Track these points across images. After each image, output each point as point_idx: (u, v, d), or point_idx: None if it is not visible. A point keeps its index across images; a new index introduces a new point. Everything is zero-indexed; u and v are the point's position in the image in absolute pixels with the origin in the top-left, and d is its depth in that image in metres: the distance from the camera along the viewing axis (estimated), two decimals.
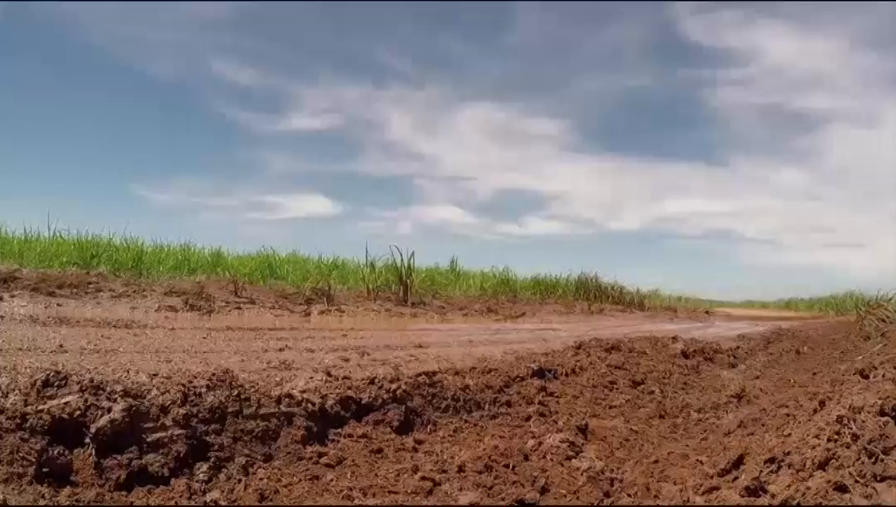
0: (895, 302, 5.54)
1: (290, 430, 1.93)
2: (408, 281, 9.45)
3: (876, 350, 2.83)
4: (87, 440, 1.59)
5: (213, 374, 2.04)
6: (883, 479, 1.29)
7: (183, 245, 10.87)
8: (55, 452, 1.52)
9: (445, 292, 11.37)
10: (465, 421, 2.34)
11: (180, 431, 1.72)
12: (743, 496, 1.48)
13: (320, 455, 1.87)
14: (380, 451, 1.95)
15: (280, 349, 3.72)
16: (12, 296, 6.00)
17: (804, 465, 1.45)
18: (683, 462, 1.98)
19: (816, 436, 1.53)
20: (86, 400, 1.65)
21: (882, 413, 1.48)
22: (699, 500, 1.60)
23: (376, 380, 2.32)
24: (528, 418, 2.42)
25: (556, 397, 2.70)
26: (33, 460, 1.47)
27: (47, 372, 1.74)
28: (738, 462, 1.75)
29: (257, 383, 2.13)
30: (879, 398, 1.54)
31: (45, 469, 1.48)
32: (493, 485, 1.69)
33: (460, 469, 1.79)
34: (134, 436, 1.65)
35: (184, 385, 1.89)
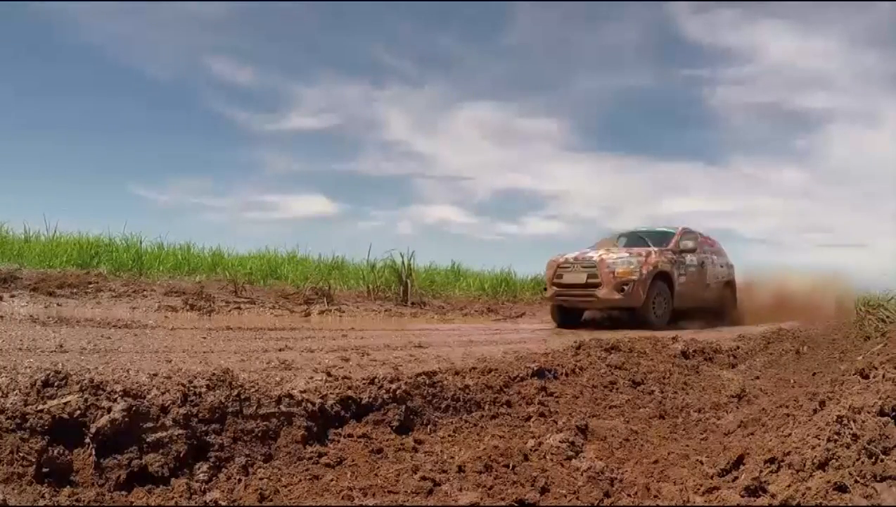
0: (895, 302, 5.54)
1: (290, 430, 1.93)
2: (408, 281, 9.45)
3: (876, 350, 2.82)
4: (87, 440, 1.59)
5: (213, 374, 2.04)
6: (883, 479, 1.29)
7: (183, 245, 10.88)
8: (55, 452, 1.52)
9: (445, 292, 11.37)
10: (465, 421, 2.34)
11: (180, 431, 1.72)
12: (743, 496, 1.48)
13: (320, 455, 1.87)
14: (380, 451, 1.95)
15: (280, 349, 3.73)
16: (12, 296, 6.00)
17: (804, 465, 1.45)
18: (683, 462, 1.98)
19: (816, 436, 1.53)
20: (86, 400, 1.65)
21: (882, 413, 1.48)
22: (699, 500, 1.60)
23: (376, 380, 2.32)
24: (528, 419, 2.42)
25: (556, 397, 2.70)
26: (33, 460, 1.47)
27: (47, 372, 1.74)
28: (738, 462, 1.75)
29: (257, 383, 2.13)
30: (879, 398, 1.54)
31: (45, 469, 1.48)
32: (493, 485, 1.69)
33: (460, 469, 1.79)
34: (134, 436, 1.65)
35: (184, 385, 1.89)
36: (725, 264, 9.58)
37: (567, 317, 8.21)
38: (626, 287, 7.48)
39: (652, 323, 7.41)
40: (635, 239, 8.91)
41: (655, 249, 8.15)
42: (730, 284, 9.60)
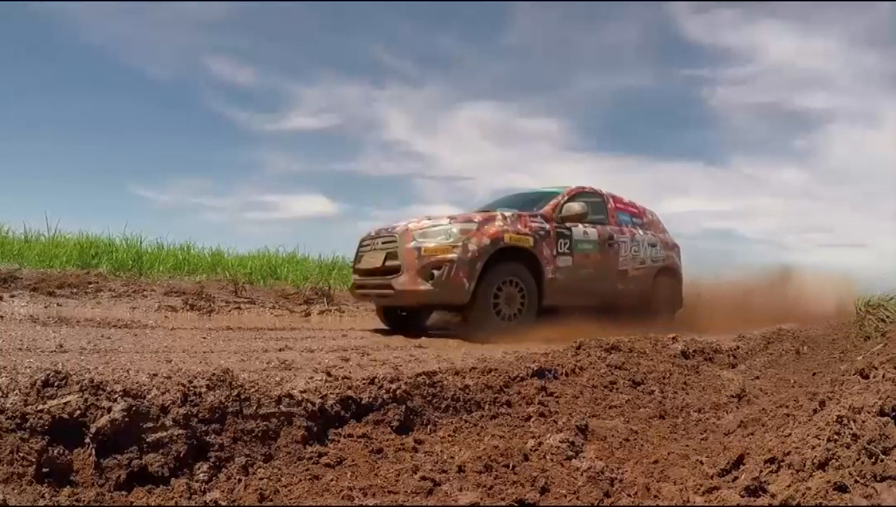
0: (895, 302, 5.54)
1: (290, 430, 1.93)
2: None
3: (876, 350, 2.83)
4: (87, 440, 1.59)
5: (213, 374, 2.04)
6: (883, 479, 1.29)
7: (183, 245, 10.90)
8: (55, 452, 1.52)
9: None
10: (465, 421, 2.34)
11: (180, 431, 1.72)
12: (743, 496, 1.48)
13: (320, 455, 1.87)
14: (380, 451, 1.95)
15: (280, 349, 3.73)
16: (12, 296, 6.01)
17: (804, 465, 1.45)
18: (683, 462, 1.98)
19: (816, 436, 1.53)
20: (86, 400, 1.66)
21: (882, 413, 1.49)
22: (699, 500, 1.60)
23: (376, 380, 2.32)
24: (528, 418, 2.42)
25: (556, 397, 2.69)
26: (33, 460, 1.47)
27: (47, 372, 1.74)
28: (738, 462, 1.75)
29: (257, 383, 2.13)
30: (879, 398, 1.54)
31: (45, 469, 1.48)
32: (493, 485, 1.69)
33: (460, 469, 1.79)
34: (134, 436, 1.65)
35: (184, 385, 1.89)
36: (661, 244, 6.75)
37: (396, 316, 5.86)
38: (437, 272, 4.72)
39: (492, 329, 4.85)
40: (506, 206, 5.92)
41: (507, 213, 5.33)
42: (668, 272, 6.75)
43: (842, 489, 1.30)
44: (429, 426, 2.25)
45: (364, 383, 2.30)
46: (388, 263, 5.11)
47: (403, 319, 5.95)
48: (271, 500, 1.59)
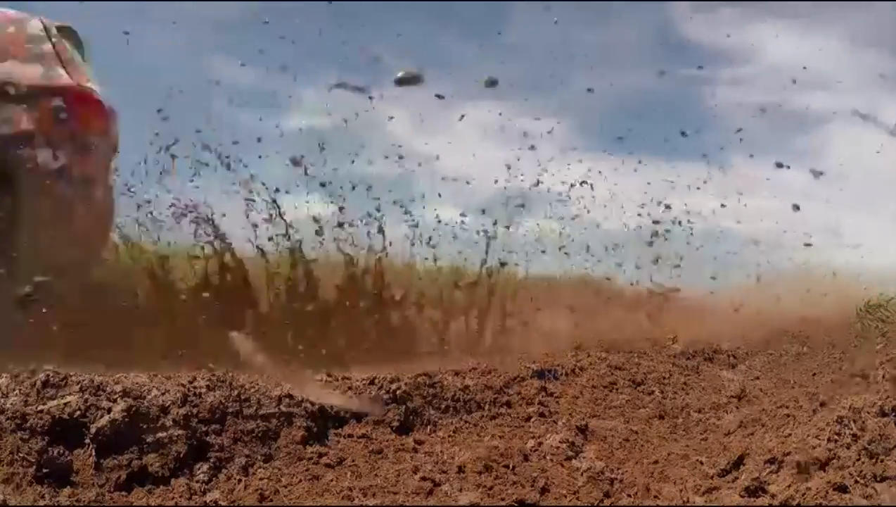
0: (895, 302, 5.53)
1: (290, 430, 1.93)
2: None
3: (876, 350, 2.83)
4: (87, 440, 1.59)
5: (213, 374, 2.04)
6: (883, 479, 1.30)
7: None
8: (55, 452, 1.52)
9: None
10: (465, 421, 2.34)
11: (180, 431, 1.72)
12: (743, 497, 1.48)
13: (320, 455, 1.87)
14: (380, 451, 1.95)
15: None
16: None
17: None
18: (683, 462, 1.98)
19: (816, 436, 1.54)
20: (86, 400, 1.66)
21: (882, 413, 1.49)
22: (699, 500, 1.61)
23: (376, 380, 2.32)
24: (528, 419, 2.42)
25: (556, 397, 2.69)
26: (33, 460, 1.47)
27: (47, 372, 1.74)
28: (738, 462, 1.75)
29: (257, 383, 2.13)
30: (879, 398, 1.54)
31: (45, 469, 1.49)
32: (493, 485, 1.69)
33: (460, 470, 1.79)
34: (134, 436, 1.65)
35: (184, 385, 1.89)
36: None
37: None
38: None
39: None
40: None
41: None
42: None
43: (842, 489, 1.30)
44: (429, 427, 2.25)
45: (364, 384, 2.30)
46: None
47: None
48: (271, 500, 1.59)
